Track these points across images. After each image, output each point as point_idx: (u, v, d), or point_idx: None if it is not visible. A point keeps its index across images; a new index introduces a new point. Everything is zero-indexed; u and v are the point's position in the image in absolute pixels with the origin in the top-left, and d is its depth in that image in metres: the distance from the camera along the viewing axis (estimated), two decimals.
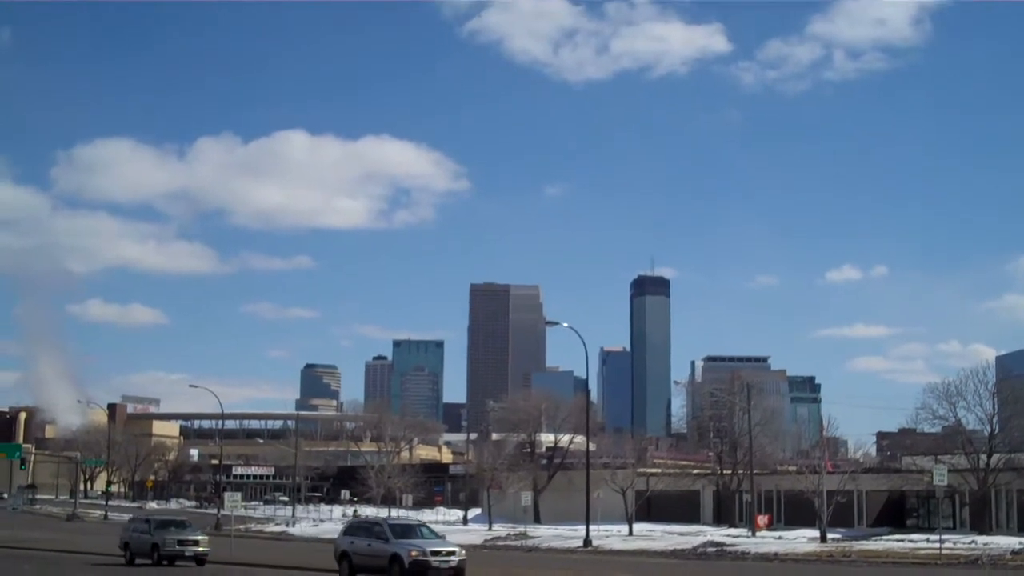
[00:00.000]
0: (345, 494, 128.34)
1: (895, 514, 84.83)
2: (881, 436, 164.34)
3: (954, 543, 57.52)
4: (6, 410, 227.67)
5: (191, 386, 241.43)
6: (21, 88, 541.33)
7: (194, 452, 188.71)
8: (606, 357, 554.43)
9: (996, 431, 75.72)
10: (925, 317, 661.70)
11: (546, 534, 76.65)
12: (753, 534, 73.59)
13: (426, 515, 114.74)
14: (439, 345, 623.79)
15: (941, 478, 57.82)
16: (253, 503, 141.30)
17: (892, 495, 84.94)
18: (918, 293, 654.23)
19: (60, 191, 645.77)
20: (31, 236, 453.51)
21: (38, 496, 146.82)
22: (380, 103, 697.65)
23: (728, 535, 70.55)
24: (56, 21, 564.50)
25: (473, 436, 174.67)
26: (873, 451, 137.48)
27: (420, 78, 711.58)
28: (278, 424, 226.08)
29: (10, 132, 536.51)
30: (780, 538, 68.54)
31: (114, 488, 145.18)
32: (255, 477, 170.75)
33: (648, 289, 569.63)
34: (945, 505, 75.17)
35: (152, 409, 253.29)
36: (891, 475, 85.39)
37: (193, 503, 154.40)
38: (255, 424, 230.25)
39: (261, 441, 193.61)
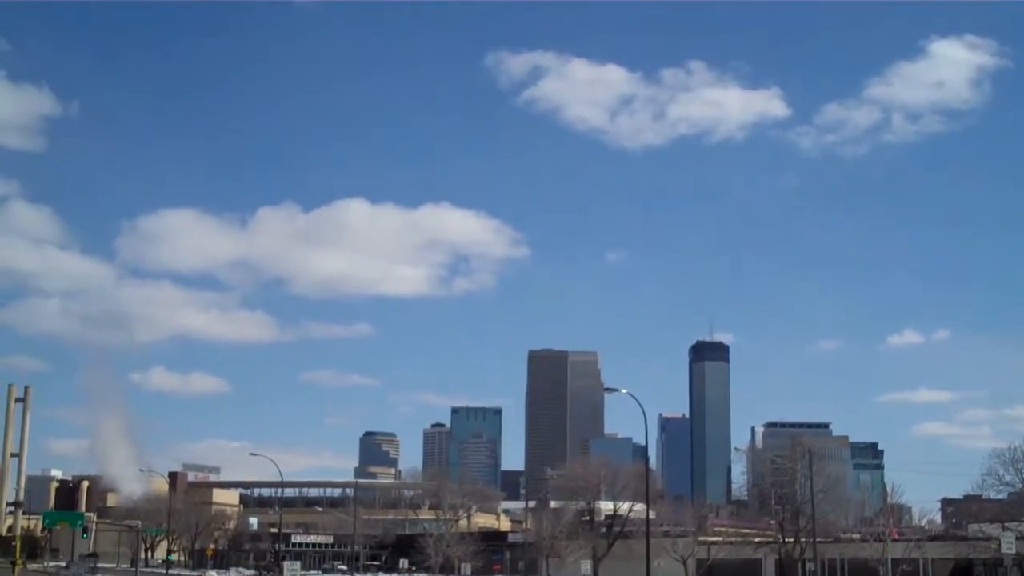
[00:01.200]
0: (404, 563, 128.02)
1: None
2: (946, 503, 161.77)
3: None
4: (70, 479, 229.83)
5: (251, 454, 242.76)
6: (87, 160, 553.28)
7: (254, 520, 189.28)
8: (665, 423, 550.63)
9: None
10: (989, 381, 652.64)
11: None
12: None
13: None
14: (497, 412, 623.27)
15: (1009, 545, 56.89)
16: (312, 572, 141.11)
17: (959, 563, 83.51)
18: (982, 357, 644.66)
19: (124, 261, 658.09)
20: (96, 305, 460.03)
21: (100, 564, 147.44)
22: (439, 172, 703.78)
23: None
24: (120, 93, 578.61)
25: (531, 504, 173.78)
26: (938, 518, 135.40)
27: (479, 147, 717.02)
28: (337, 492, 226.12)
29: (76, 203, 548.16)
30: None
31: (174, 557, 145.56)
32: (314, 545, 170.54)
33: (707, 354, 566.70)
34: (1014, 573, 73.73)
35: (212, 477, 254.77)
36: (957, 543, 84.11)
37: (252, 572, 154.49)
38: (314, 492, 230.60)
39: (320, 509, 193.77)
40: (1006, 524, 73.50)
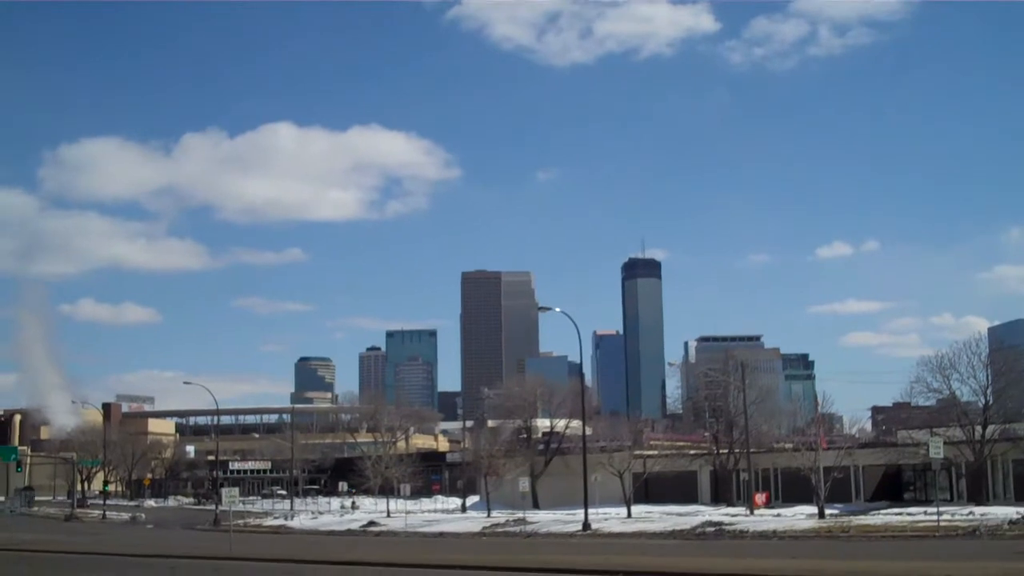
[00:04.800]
0: (343, 486, 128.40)
1: (892, 488, 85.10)
2: (876, 411, 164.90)
3: (952, 515, 57.60)
4: (0, 413, 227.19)
5: (185, 383, 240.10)
6: (4, 90, 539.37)
7: (190, 449, 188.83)
8: (599, 341, 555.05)
9: (990, 402, 75.85)
10: (917, 291, 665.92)
11: (545, 519, 76.61)
12: (751, 512, 73.64)
13: (424, 504, 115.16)
14: (432, 334, 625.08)
15: (937, 451, 57.89)
16: (251, 498, 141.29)
17: (889, 469, 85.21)
18: (910, 267, 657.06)
19: (47, 191, 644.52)
20: (20, 237, 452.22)
21: (36, 498, 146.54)
22: (367, 93, 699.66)
23: (726, 514, 70.67)
24: (38, 22, 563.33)
25: (469, 424, 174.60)
26: (869, 426, 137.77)
27: (405, 68, 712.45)
28: (273, 418, 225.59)
29: None
30: (778, 516, 68.63)
31: (111, 488, 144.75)
32: (252, 472, 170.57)
33: (639, 272, 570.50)
34: (942, 477, 75.38)
35: (147, 407, 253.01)
36: (887, 449, 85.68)
37: (191, 500, 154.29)
38: (250, 419, 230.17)
39: (257, 436, 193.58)
40: (934, 430, 74.83)
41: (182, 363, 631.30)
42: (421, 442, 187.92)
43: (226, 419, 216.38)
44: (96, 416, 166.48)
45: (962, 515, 57.86)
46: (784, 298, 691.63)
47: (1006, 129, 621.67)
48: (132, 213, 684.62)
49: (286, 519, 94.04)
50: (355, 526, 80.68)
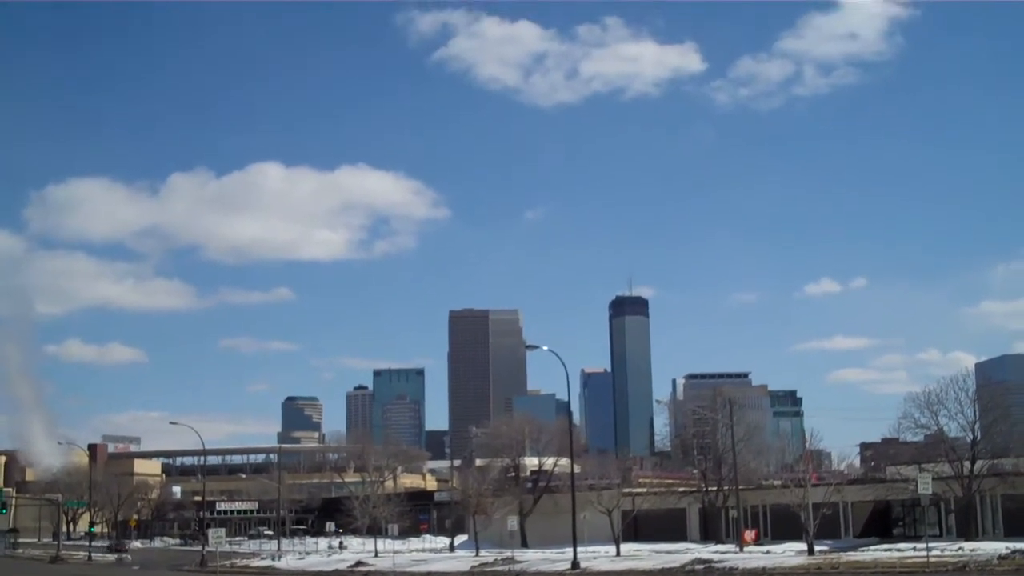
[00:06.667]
0: (330, 526, 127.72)
1: (881, 524, 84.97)
2: (864, 447, 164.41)
3: (941, 551, 57.57)
4: None
5: (171, 423, 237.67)
6: None
7: (176, 489, 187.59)
8: (587, 379, 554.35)
9: (978, 438, 75.79)
10: (904, 327, 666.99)
11: (533, 558, 76.34)
12: (741, 550, 73.45)
13: (412, 543, 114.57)
14: (420, 373, 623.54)
15: (926, 486, 57.87)
16: (238, 538, 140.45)
17: (878, 505, 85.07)
18: (896, 303, 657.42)
19: (34, 232, 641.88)
20: (5, 278, 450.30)
21: (20, 540, 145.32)
22: (355, 133, 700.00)
23: (716, 551, 70.42)
24: (25, 61, 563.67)
25: (457, 463, 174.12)
26: (857, 462, 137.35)
27: (393, 108, 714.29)
28: (260, 458, 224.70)
29: None
30: (768, 552, 68.45)
31: (97, 529, 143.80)
32: (239, 512, 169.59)
33: (627, 309, 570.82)
34: (931, 513, 75.25)
35: (133, 448, 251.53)
36: (876, 485, 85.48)
37: (177, 541, 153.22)
38: (237, 459, 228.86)
39: (244, 476, 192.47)
40: (922, 466, 74.77)
41: (168, 403, 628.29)
42: (409, 481, 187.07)
43: (213, 459, 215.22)
44: (82, 457, 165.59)
45: (951, 551, 57.82)
46: (772, 335, 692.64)
47: (991, 166, 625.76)
48: (119, 253, 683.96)
49: (273, 559, 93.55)
50: (343, 566, 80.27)
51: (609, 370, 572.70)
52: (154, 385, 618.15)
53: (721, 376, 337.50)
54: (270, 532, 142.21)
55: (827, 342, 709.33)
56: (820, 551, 65.70)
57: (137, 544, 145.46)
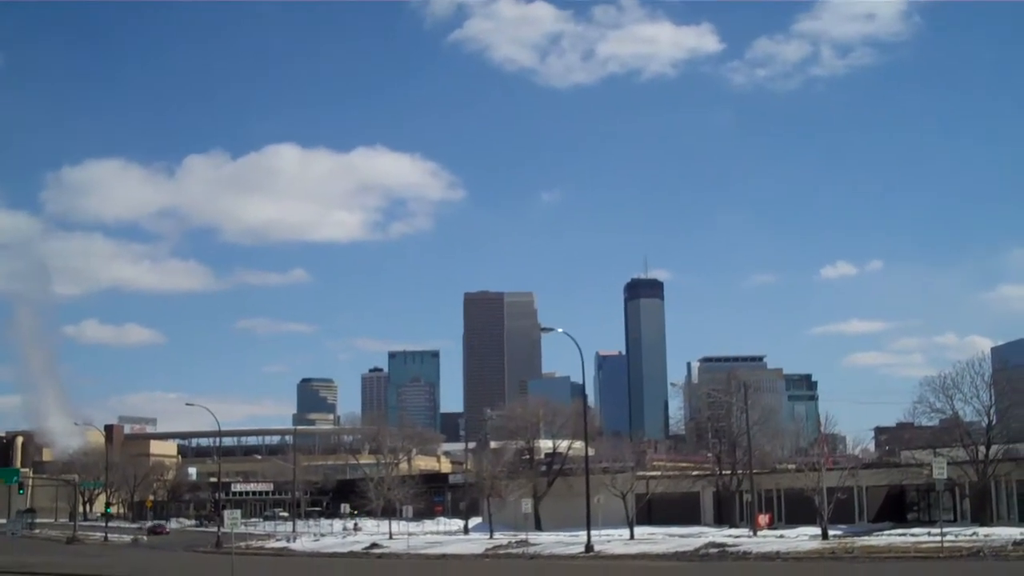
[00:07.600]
0: (345, 507, 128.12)
1: (896, 509, 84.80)
2: (879, 431, 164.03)
3: (956, 536, 57.44)
4: (3, 435, 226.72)
5: (188, 404, 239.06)
6: (7, 111, 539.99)
7: (192, 471, 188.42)
8: (602, 361, 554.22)
9: (994, 422, 75.52)
10: (921, 310, 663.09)
11: (547, 541, 76.43)
12: (754, 534, 73.43)
13: (427, 525, 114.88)
14: (435, 355, 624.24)
15: (940, 471, 57.66)
16: (253, 520, 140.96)
17: (892, 490, 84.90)
18: (913, 287, 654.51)
19: (51, 213, 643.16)
20: (23, 259, 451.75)
21: (37, 520, 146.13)
22: (371, 115, 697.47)
23: (729, 535, 70.38)
24: (42, 43, 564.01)
25: (471, 445, 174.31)
26: (872, 446, 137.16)
27: (409, 89, 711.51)
28: (276, 440, 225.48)
29: None
30: (781, 537, 68.37)
31: (113, 509, 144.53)
32: (254, 494, 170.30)
33: (642, 292, 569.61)
34: (945, 498, 74.98)
35: (149, 429, 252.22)
36: (891, 470, 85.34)
37: (193, 522, 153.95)
38: (253, 440, 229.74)
39: (259, 457, 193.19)
40: (937, 450, 74.56)
41: (185, 384, 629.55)
42: (423, 463, 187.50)
43: (228, 441, 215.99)
44: (98, 438, 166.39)
45: (966, 536, 57.68)
46: (787, 318, 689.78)
47: (1010, 148, 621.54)
48: (135, 235, 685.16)
49: (288, 541, 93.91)
50: (357, 548, 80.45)
51: (624, 353, 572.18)
52: (170, 366, 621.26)
53: (736, 359, 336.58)
54: (285, 514, 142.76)
55: (843, 325, 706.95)
56: (834, 536, 65.61)
57: (174, 524, 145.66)
